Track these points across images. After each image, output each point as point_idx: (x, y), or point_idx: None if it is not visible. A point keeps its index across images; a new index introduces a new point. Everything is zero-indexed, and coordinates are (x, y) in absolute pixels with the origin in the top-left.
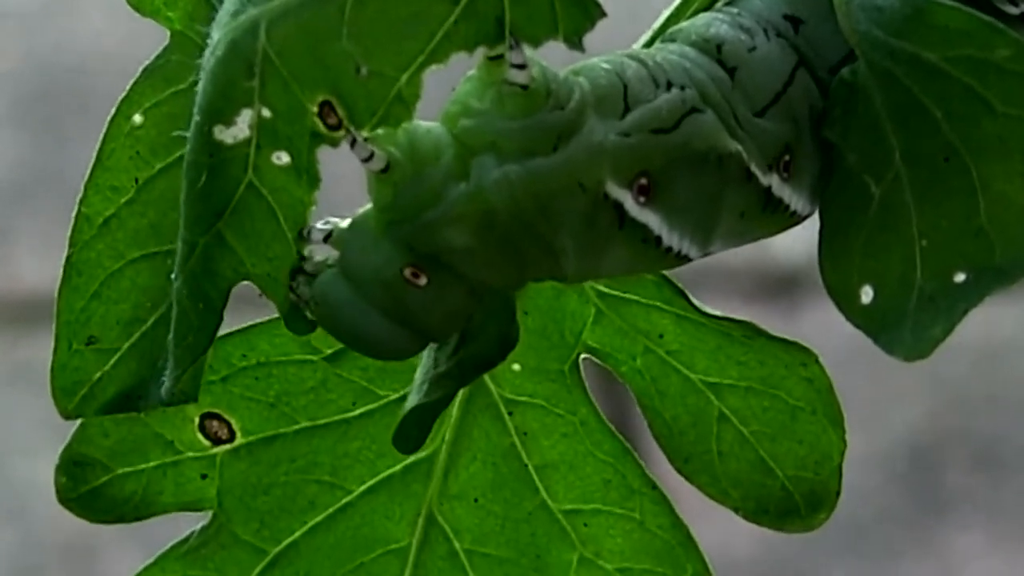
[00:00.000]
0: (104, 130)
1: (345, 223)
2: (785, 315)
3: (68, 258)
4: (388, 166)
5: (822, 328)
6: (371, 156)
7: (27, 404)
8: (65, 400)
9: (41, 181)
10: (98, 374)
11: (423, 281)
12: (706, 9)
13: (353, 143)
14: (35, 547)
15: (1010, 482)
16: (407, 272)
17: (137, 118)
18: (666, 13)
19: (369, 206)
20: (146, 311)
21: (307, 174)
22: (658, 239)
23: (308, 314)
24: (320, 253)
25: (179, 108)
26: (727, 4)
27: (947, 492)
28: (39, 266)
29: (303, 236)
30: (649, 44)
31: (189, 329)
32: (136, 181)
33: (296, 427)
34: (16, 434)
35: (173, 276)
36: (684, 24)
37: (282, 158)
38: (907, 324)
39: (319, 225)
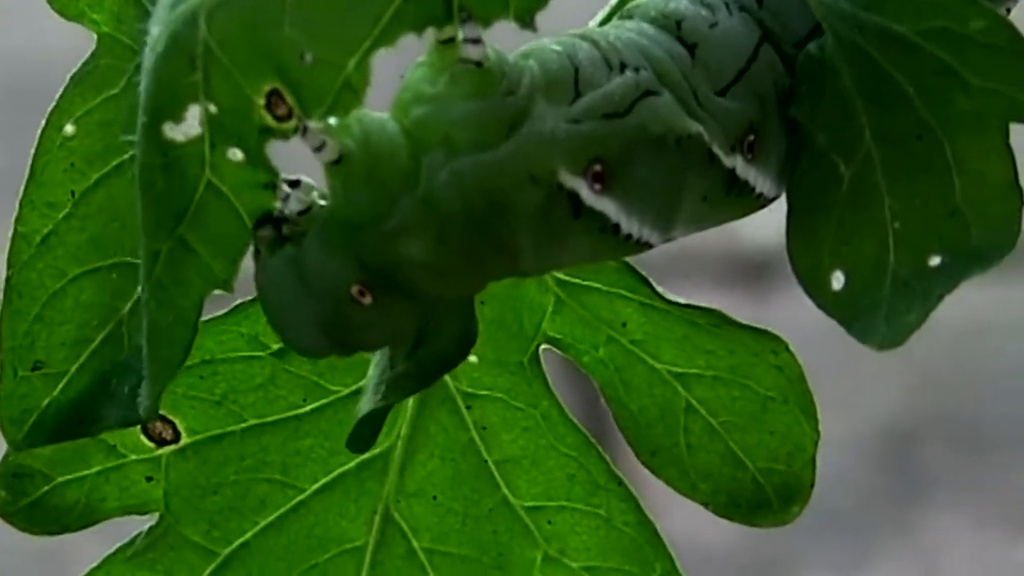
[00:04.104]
0: (35, 144)
1: (321, 199)
2: (756, 300)
3: (7, 280)
4: (341, 157)
5: (794, 312)
6: (323, 145)
7: None
8: (14, 430)
9: (10, 184)
10: (47, 400)
11: (368, 301)
12: None
13: (304, 132)
14: (8, 551)
15: (988, 462)
16: (354, 290)
17: (69, 128)
18: None
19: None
20: (92, 330)
21: (263, 170)
22: (616, 227)
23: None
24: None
25: (113, 114)
26: None
27: (924, 474)
28: None
29: (280, 196)
30: (606, 21)
31: (161, 343)
32: (73, 194)
33: (244, 425)
34: None
35: (140, 289)
36: (642, 0)
37: (237, 155)
38: (881, 311)
39: (298, 194)
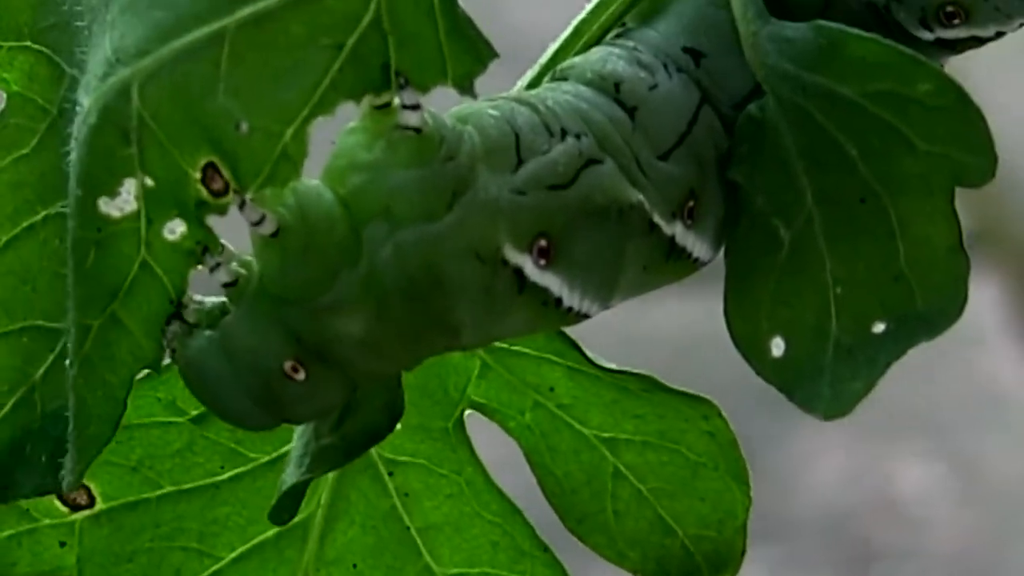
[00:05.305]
0: None
1: (245, 266)
2: None
3: None
4: (278, 230)
5: None
6: (262, 219)
7: None
8: None
9: None
10: None
11: (301, 376)
12: (597, 43)
13: (242, 206)
14: None
15: None
16: (287, 366)
17: None
18: (553, 47)
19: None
20: (3, 395)
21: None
22: (559, 300)
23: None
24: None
25: (23, 175)
26: (619, 36)
27: None
28: None
29: (205, 264)
30: (536, 82)
31: (89, 419)
32: None
33: (160, 492)
34: None
35: (68, 363)
36: (576, 60)
37: (175, 231)
38: (824, 378)
39: (226, 264)
